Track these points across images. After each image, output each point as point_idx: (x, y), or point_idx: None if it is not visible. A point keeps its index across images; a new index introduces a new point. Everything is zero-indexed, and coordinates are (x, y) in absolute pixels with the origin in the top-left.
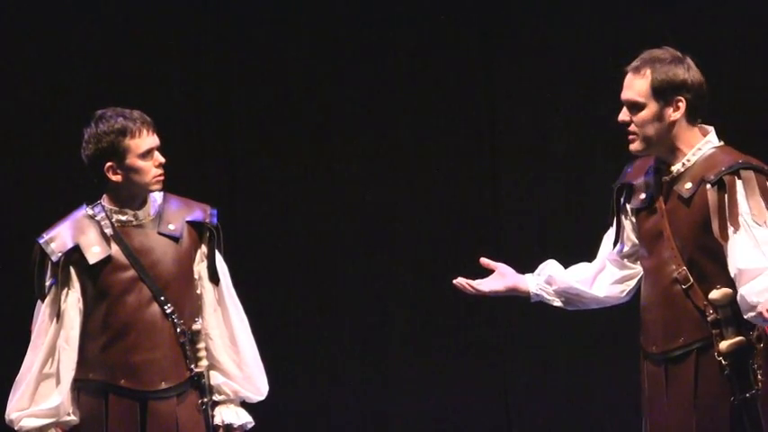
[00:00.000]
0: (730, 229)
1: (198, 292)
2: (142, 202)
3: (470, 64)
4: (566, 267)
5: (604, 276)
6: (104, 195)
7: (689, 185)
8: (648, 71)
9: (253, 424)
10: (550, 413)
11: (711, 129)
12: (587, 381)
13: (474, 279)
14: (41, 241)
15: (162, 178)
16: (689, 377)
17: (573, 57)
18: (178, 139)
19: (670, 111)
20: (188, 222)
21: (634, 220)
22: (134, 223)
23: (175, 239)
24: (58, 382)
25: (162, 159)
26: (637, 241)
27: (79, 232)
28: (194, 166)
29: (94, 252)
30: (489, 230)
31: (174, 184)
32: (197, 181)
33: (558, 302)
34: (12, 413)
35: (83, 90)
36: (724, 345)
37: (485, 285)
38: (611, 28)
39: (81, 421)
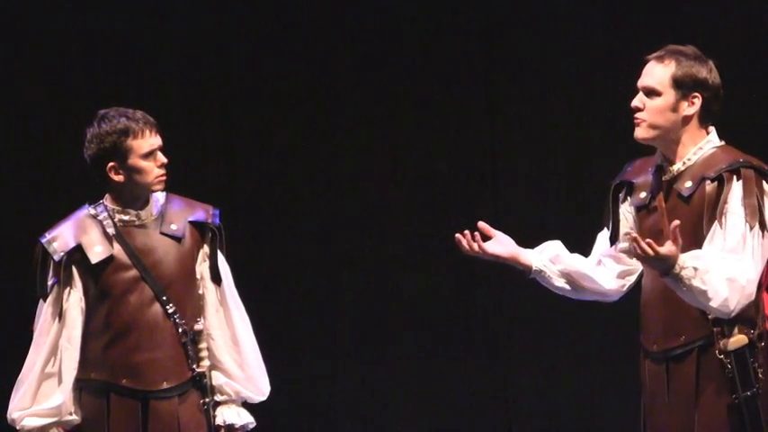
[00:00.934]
0: (715, 225)
1: (200, 292)
2: (144, 202)
3: (470, 64)
4: None
5: (605, 270)
6: (107, 195)
7: (689, 184)
8: (673, 62)
9: (254, 424)
10: (550, 413)
11: (713, 129)
12: (587, 381)
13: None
14: (43, 241)
15: (164, 179)
16: (690, 376)
17: (573, 57)
18: (178, 139)
19: (685, 105)
20: (190, 222)
21: (634, 217)
22: (136, 223)
23: (177, 239)
24: (59, 382)
25: (164, 160)
26: None
27: (81, 232)
28: (194, 166)
29: (97, 252)
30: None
31: (174, 183)
32: (197, 181)
33: (559, 282)
34: (13, 412)
35: (83, 90)
36: (725, 343)
37: (489, 247)
38: (612, 28)
39: (82, 421)
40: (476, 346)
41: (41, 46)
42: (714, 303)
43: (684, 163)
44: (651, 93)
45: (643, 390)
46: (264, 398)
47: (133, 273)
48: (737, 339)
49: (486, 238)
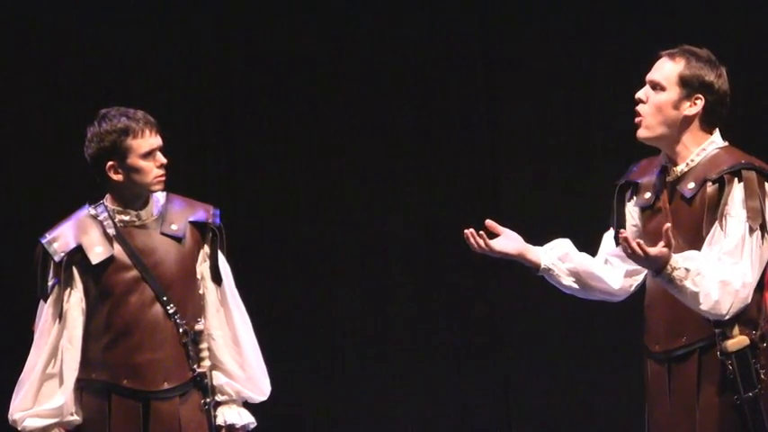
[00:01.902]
0: (715, 226)
1: (200, 292)
2: (144, 202)
3: (470, 64)
4: None
5: (612, 269)
6: (107, 195)
7: (691, 185)
8: (683, 60)
9: (255, 424)
10: (550, 413)
11: (716, 130)
12: (587, 381)
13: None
14: (44, 241)
15: (163, 179)
16: (692, 376)
17: (573, 57)
18: (178, 138)
19: (687, 104)
20: (191, 222)
21: (639, 217)
22: (137, 223)
23: (178, 240)
24: (61, 383)
25: (164, 160)
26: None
27: (82, 232)
28: (194, 165)
29: (97, 252)
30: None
31: (174, 183)
32: (197, 181)
33: (568, 281)
34: (15, 413)
35: (83, 89)
36: (727, 344)
37: (496, 244)
38: (612, 28)
39: (84, 421)
40: (476, 345)
41: (41, 46)
42: (705, 306)
43: (688, 164)
44: (656, 87)
45: (645, 390)
46: (265, 398)
47: (134, 273)
48: (738, 340)
49: (494, 235)
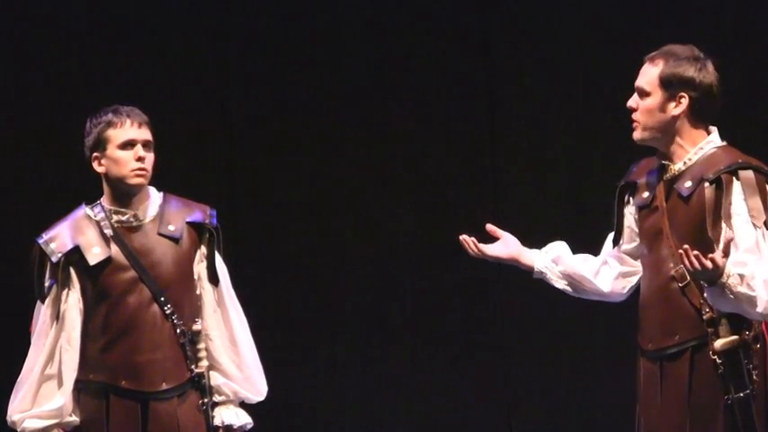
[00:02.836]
0: (724, 228)
1: (198, 292)
2: (140, 202)
3: (470, 63)
4: None
5: (607, 271)
6: (103, 195)
7: (689, 184)
8: (661, 62)
9: (252, 425)
10: (550, 413)
11: (714, 128)
12: (587, 380)
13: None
14: (41, 241)
15: (143, 173)
16: (683, 375)
17: (573, 57)
18: (178, 139)
19: (672, 105)
20: (188, 223)
21: (637, 217)
22: (134, 224)
23: (175, 240)
24: (60, 384)
25: (143, 154)
26: (638, 239)
27: (79, 233)
28: (194, 166)
29: (95, 253)
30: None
31: (173, 184)
32: (197, 181)
33: (560, 284)
34: (14, 414)
35: (83, 89)
36: (719, 344)
37: (489, 249)
38: (612, 28)
39: (82, 422)
40: (476, 345)
41: (41, 46)
42: (760, 308)
43: (685, 163)
44: (642, 93)
45: (638, 388)
46: (262, 398)
47: (131, 274)
48: (728, 340)
49: (493, 239)
